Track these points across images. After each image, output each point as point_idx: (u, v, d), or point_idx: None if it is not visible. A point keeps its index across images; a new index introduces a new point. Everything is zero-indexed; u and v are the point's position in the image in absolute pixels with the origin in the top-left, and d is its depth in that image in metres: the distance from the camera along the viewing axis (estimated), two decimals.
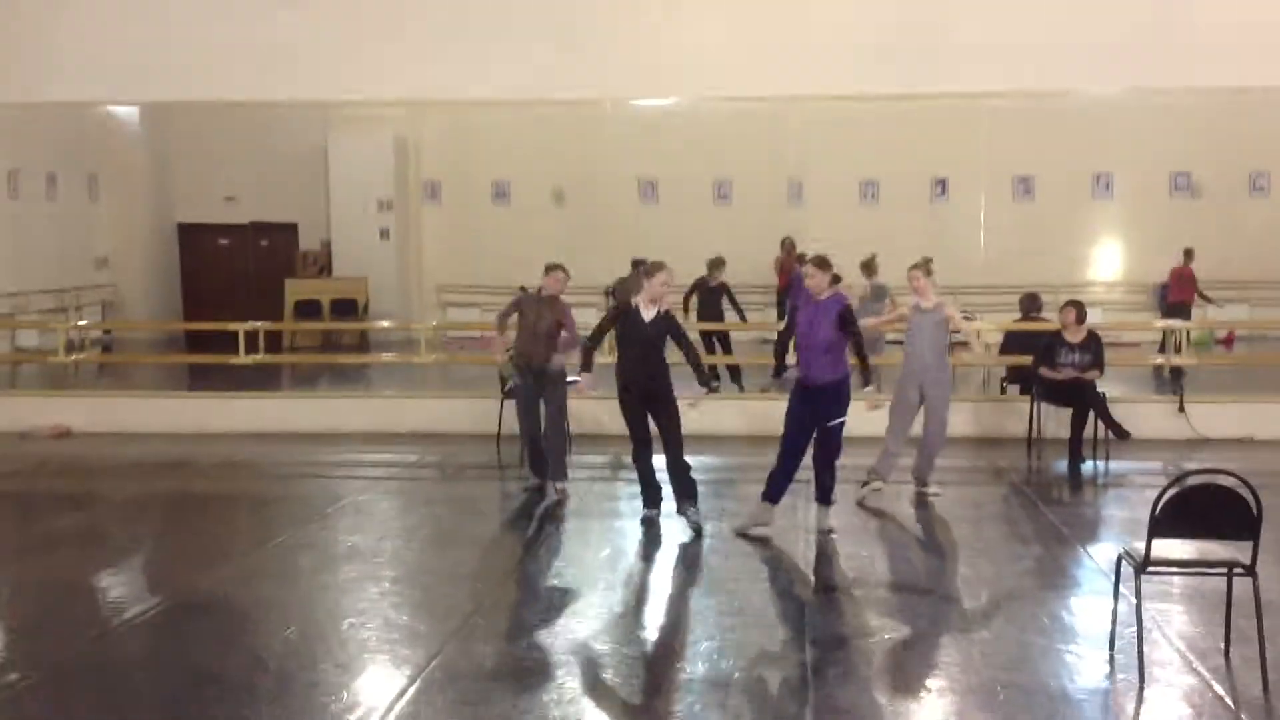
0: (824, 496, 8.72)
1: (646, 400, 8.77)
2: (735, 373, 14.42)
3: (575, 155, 18.80)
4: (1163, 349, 15.44)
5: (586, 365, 8.91)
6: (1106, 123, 18.22)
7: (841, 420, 8.50)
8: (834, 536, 8.53)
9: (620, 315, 8.84)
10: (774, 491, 8.74)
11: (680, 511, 8.83)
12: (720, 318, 14.50)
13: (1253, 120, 17.60)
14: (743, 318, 15.12)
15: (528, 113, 17.53)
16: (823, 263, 8.56)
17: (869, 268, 14.02)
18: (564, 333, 9.73)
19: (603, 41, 13.37)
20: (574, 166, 19.21)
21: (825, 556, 8.21)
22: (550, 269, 9.84)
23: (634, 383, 8.75)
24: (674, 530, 8.81)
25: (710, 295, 14.43)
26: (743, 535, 8.61)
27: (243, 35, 13.53)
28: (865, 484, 9.63)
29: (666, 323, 8.77)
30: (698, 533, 8.65)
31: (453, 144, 20.46)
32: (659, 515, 8.99)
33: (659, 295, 8.74)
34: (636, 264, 12.56)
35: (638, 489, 9.10)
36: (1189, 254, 17.23)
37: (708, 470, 10.92)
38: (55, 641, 6.54)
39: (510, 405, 11.65)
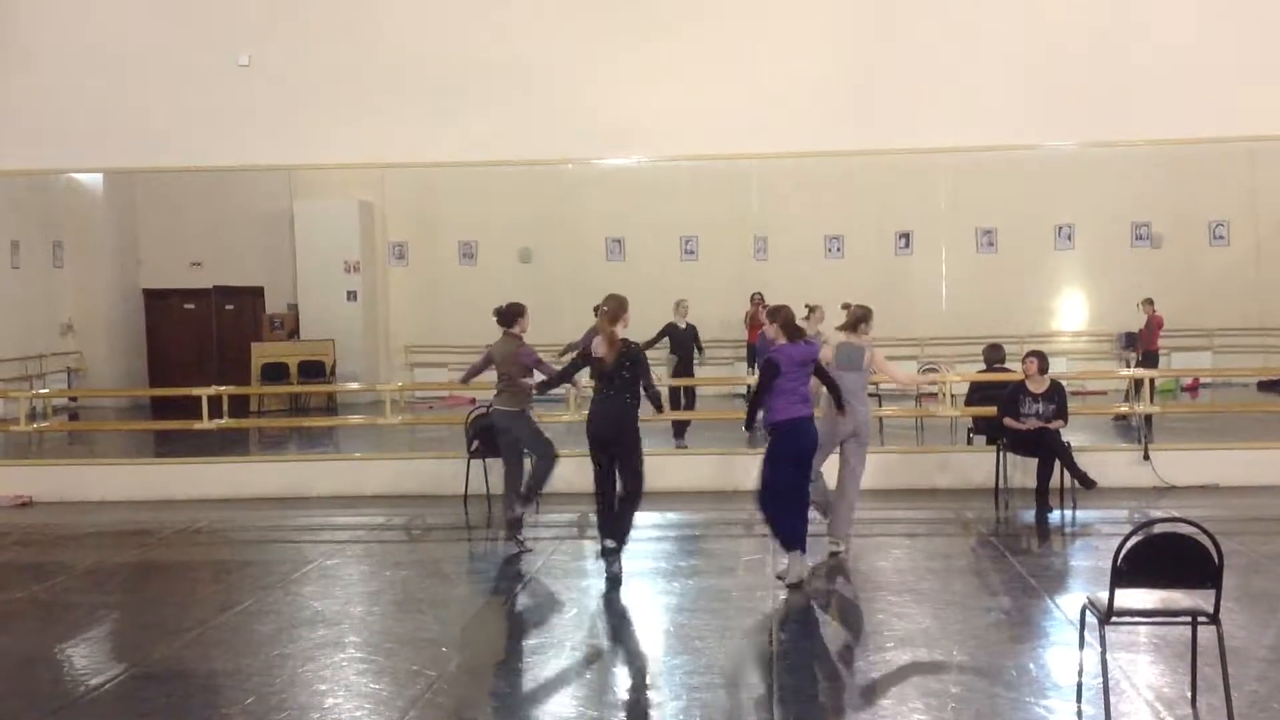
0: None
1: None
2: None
3: (541, 215, 18.84)
4: (1128, 397, 15.52)
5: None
6: (1067, 175, 18.40)
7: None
8: (798, 588, 8.50)
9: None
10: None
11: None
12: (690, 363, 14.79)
13: (1210, 171, 17.82)
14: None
15: (493, 174, 17.58)
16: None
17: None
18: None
19: (565, 103, 13.48)
20: (540, 225, 19.25)
21: (791, 611, 8.17)
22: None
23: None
24: (639, 589, 8.77)
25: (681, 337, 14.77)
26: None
27: (205, 101, 13.59)
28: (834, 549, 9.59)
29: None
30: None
31: (419, 206, 20.48)
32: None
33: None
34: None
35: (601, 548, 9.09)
36: (1150, 302, 17.35)
37: (678, 526, 10.95)
38: (16, 714, 6.42)
39: (476, 466, 11.71)
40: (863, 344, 9.71)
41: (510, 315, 10.05)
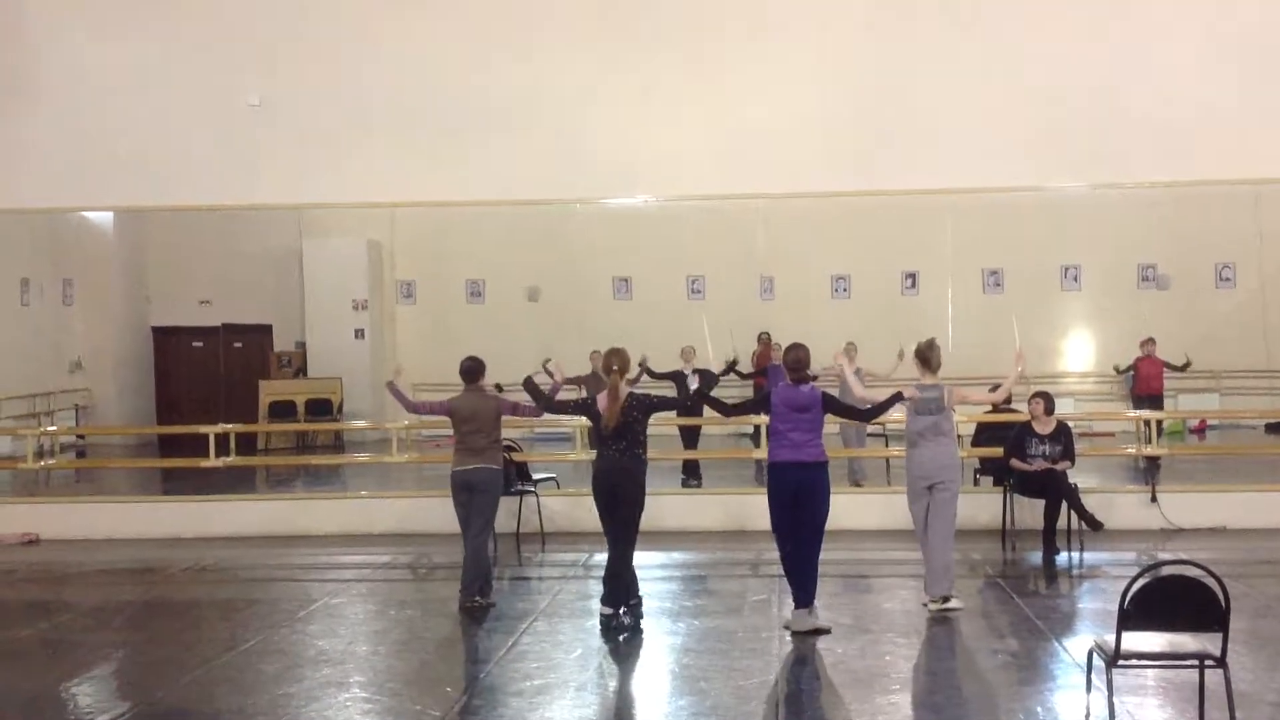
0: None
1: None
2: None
3: (549, 254, 18.94)
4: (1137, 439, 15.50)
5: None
6: (1073, 216, 18.46)
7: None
8: (801, 636, 8.46)
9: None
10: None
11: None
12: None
13: (1216, 213, 17.86)
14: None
15: (501, 213, 17.68)
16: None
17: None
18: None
19: (573, 144, 13.55)
20: (548, 264, 19.35)
21: (798, 653, 8.14)
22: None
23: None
24: (644, 629, 8.76)
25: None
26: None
27: (216, 141, 13.72)
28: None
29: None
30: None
31: (427, 245, 20.57)
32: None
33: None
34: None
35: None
36: (1151, 342, 17.32)
37: (684, 566, 10.92)
38: None
39: None
40: (938, 384, 9.34)
41: (478, 370, 9.88)
